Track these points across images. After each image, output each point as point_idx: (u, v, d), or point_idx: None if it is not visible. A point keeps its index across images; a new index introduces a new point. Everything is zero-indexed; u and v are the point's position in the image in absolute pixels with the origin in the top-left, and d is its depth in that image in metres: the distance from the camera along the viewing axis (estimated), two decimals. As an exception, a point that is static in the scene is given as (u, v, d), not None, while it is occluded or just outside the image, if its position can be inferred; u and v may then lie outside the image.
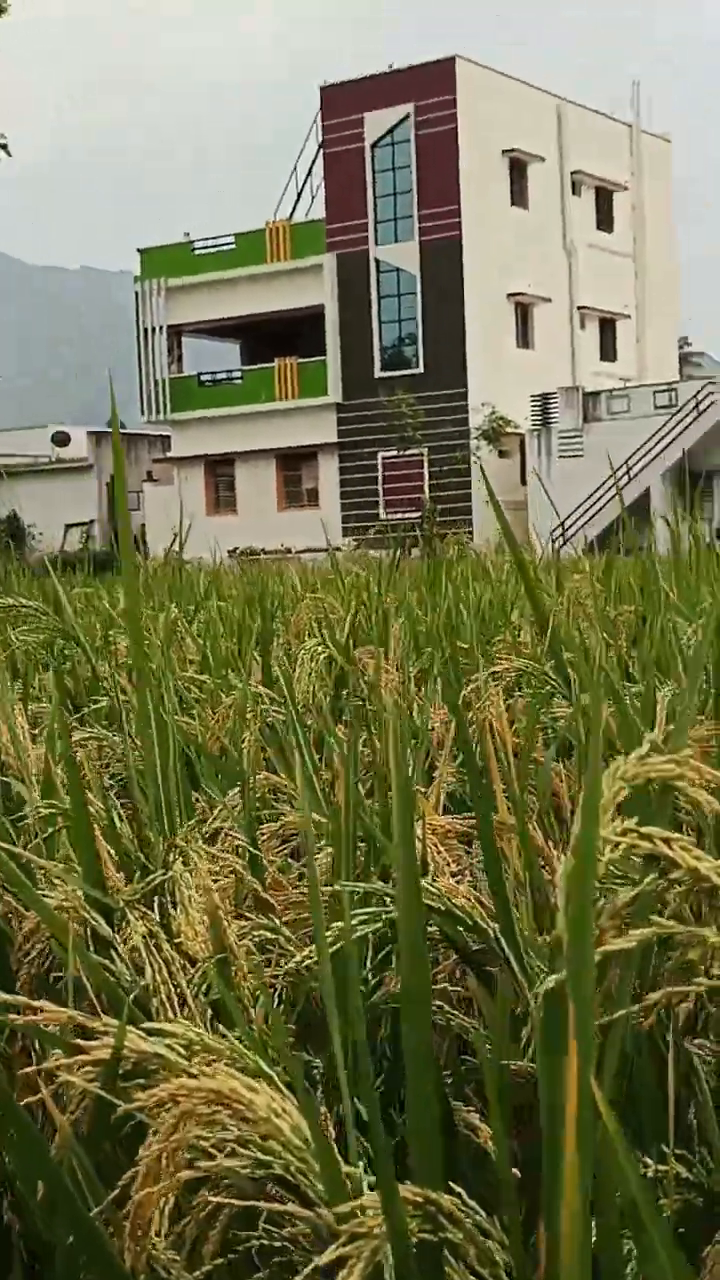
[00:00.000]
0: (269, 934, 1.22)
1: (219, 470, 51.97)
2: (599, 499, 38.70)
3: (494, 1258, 0.74)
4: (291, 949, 1.21)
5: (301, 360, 49.73)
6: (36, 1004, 0.94)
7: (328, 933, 0.97)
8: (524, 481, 43.54)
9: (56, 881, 1.22)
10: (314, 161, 50.26)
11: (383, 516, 43.23)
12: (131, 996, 1.09)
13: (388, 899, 1.11)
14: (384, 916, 1.10)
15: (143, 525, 44.53)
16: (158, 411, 52.41)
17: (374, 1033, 1.21)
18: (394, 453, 46.86)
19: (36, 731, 1.99)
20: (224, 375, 53.16)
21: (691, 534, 4.57)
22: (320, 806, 1.53)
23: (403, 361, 48.05)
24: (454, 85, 46.50)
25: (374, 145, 48.04)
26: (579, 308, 51.92)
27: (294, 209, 51.17)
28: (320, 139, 49.62)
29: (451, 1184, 0.79)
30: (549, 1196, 0.70)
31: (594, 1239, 0.72)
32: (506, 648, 2.67)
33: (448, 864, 1.39)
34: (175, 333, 53.07)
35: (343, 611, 3.18)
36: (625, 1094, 0.97)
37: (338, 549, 6.23)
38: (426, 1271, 0.75)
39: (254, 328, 52.67)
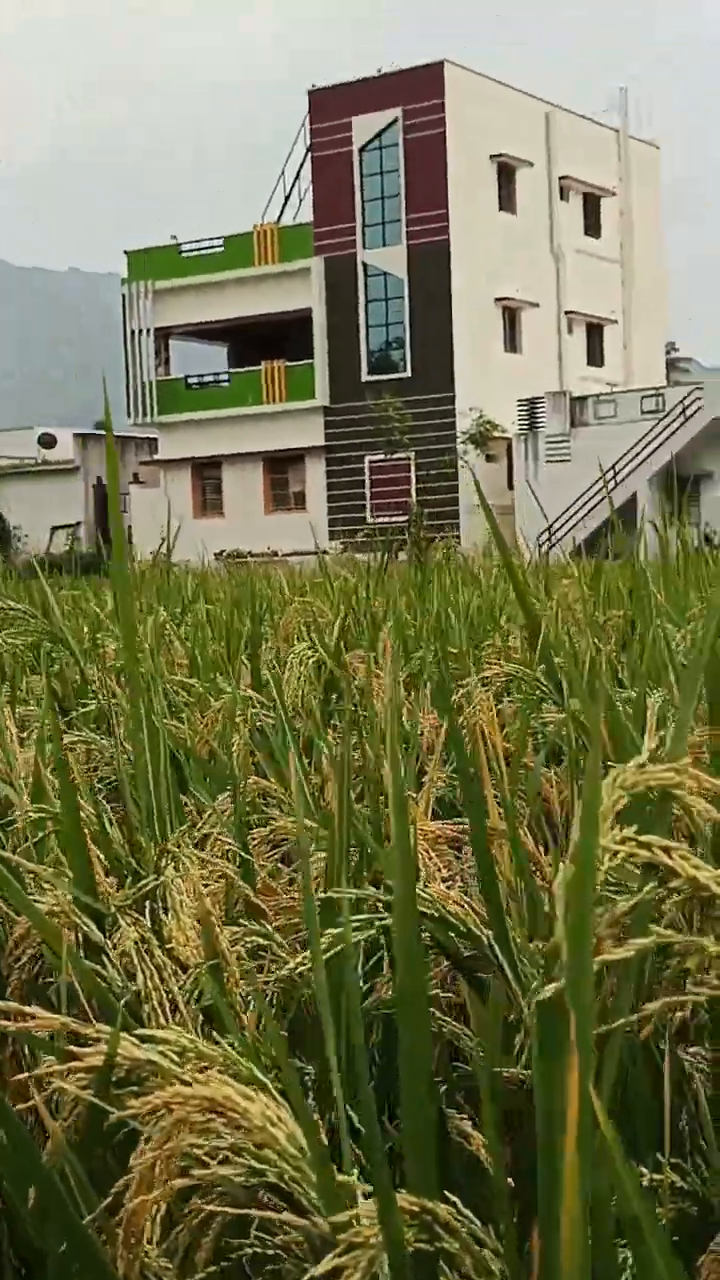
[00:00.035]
0: (261, 940, 1.21)
1: (206, 473, 51.95)
2: (586, 504, 38.77)
3: (489, 1267, 0.73)
4: (283, 955, 1.21)
5: (289, 363, 49.74)
6: (29, 1010, 0.94)
7: (322, 939, 0.96)
8: (511, 486, 43.58)
9: (46, 886, 1.21)
10: (302, 165, 50.30)
11: (369, 520, 43.20)
12: (123, 1002, 1.08)
13: (379, 905, 1.11)
14: (376, 923, 1.10)
15: (129, 527, 44.53)
16: (144, 414, 52.40)
17: (365, 1039, 1.20)
18: (381, 456, 46.87)
19: (24, 735, 1.99)
20: (211, 378, 53.15)
21: (679, 539, 4.58)
22: (312, 812, 1.53)
23: (390, 365, 48.08)
24: (442, 90, 46.55)
25: (362, 149, 48.08)
26: (566, 313, 51.99)
27: (281, 212, 51.21)
28: (308, 142, 49.63)
29: (446, 1192, 0.79)
30: (546, 1205, 0.70)
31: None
32: (496, 652, 2.67)
33: (438, 869, 1.39)
34: (162, 335, 53.05)
35: (331, 615, 3.18)
36: (619, 1102, 0.96)
37: (324, 552, 6.23)
38: (422, 1281, 0.74)
39: (241, 330, 52.67)
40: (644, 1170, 0.87)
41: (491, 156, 48.22)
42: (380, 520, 40.07)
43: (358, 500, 48.19)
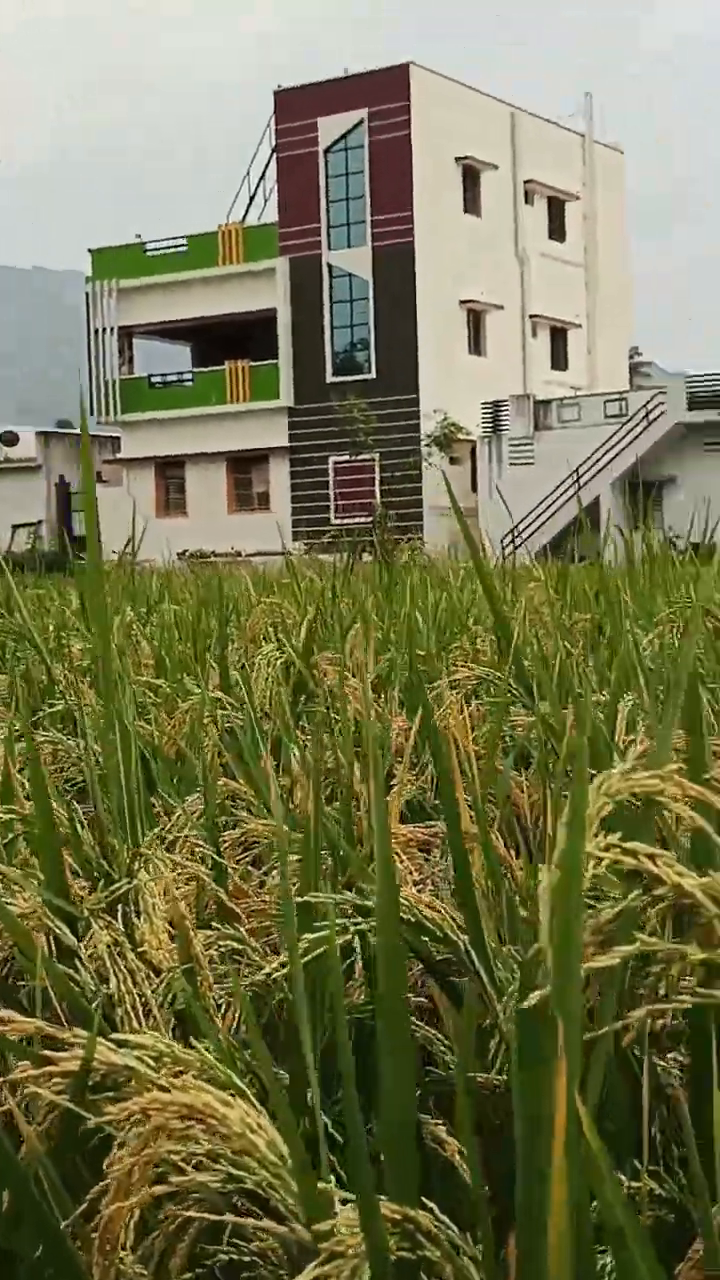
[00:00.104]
0: (235, 944, 1.21)
1: (169, 472, 51.83)
2: (550, 506, 38.88)
3: (470, 1275, 0.73)
4: (257, 959, 1.20)
5: (253, 363, 49.69)
6: (2, 1013, 0.93)
7: (301, 942, 0.96)
8: (475, 489, 43.66)
9: (16, 889, 1.20)
10: (267, 165, 50.26)
11: (333, 521, 43.20)
12: (96, 1006, 1.07)
13: (352, 909, 1.11)
14: (351, 928, 1.09)
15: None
16: (108, 412, 52.24)
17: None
18: (345, 457, 46.89)
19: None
20: (175, 377, 53.06)
21: (644, 541, 4.59)
22: (284, 814, 1.52)
23: (355, 367, 48.09)
24: (408, 92, 46.60)
25: (327, 150, 48.08)
26: (531, 316, 52.13)
27: (246, 212, 51.15)
28: (274, 143, 49.60)
29: (424, 1199, 0.78)
30: (527, 1212, 0.69)
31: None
32: (464, 655, 2.67)
33: (410, 873, 1.39)
34: (126, 334, 52.90)
35: (299, 616, 3.16)
36: (598, 1109, 0.96)
37: (289, 553, 6.22)
38: (401, 1289, 0.74)
39: (205, 330, 52.58)
40: (623, 1178, 0.87)
41: (457, 159, 48.30)
42: (345, 521, 40.07)
43: (322, 501, 48.18)
